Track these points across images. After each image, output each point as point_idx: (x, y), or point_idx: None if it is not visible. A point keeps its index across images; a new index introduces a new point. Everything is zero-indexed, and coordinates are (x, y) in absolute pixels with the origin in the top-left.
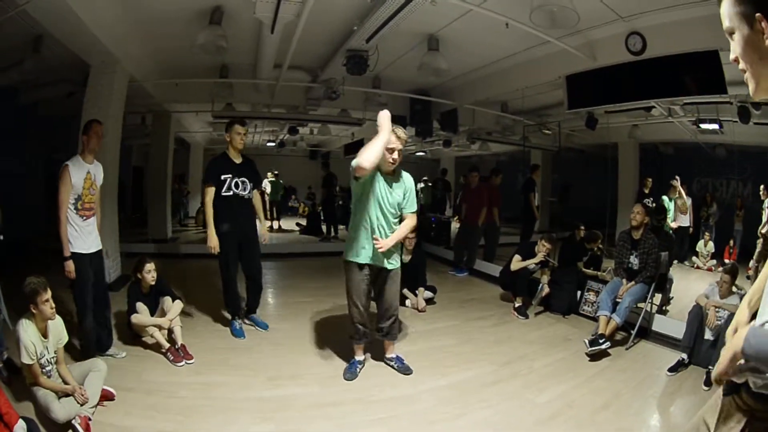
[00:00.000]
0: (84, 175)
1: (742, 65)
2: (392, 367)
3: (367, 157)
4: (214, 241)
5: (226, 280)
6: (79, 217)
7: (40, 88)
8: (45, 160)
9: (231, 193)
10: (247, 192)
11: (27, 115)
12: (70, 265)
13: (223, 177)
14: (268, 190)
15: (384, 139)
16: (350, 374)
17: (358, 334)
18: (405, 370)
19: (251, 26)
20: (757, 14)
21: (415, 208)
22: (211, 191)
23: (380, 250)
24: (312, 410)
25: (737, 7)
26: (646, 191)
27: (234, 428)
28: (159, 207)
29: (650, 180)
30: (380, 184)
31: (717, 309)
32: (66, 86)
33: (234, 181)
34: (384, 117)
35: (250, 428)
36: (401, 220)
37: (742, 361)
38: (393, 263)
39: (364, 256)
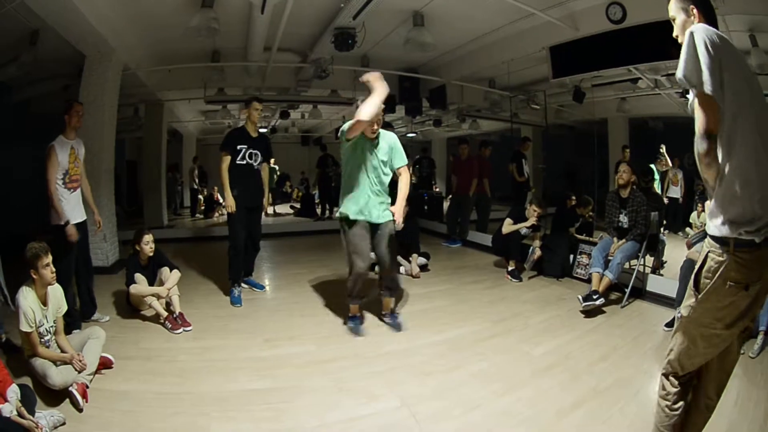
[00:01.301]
0: (68, 151)
1: (680, 39)
2: (386, 323)
3: (366, 111)
4: (230, 201)
5: (234, 245)
6: (67, 190)
7: (34, 84)
8: (37, 156)
9: (245, 162)
10: (257, 163)
11: (21, 112)
12: (71, 229)
13: (239, 147)
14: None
15: (382, 95)
16: (356, 329)
17: (355, 291)
18: (397, 327)
19: (242, 8)
20: (691, 5)
21: (405, 161)
22: (226, 159)
23: (400, 222)
24: (309, 367)
25: (679, 3)
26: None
27: (232, 386)
28: (154, 197)
29: (628, 150)
30: (366, 147)
31: None
32: (60, 81)
33: (249, 152)
34: (373, 75)
35: (248, 386)
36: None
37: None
38: (384, 216)
39: (356, 214)
